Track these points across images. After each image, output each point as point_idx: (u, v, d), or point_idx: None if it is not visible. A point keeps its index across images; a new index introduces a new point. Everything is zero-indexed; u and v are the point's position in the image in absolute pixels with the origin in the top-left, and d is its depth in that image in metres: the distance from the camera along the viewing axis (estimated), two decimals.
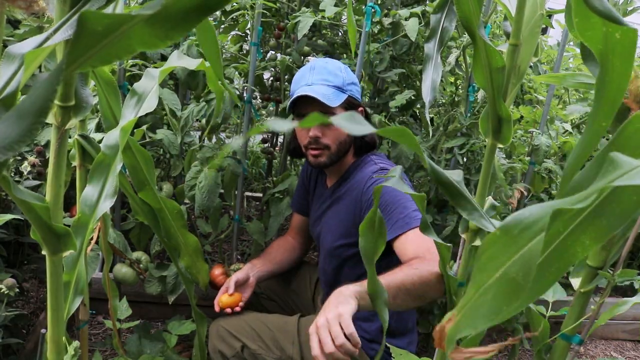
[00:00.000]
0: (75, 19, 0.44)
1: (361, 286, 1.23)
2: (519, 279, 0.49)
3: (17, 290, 1.59)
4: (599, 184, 0.45)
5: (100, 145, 0.95)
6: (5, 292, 1.55)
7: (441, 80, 2.26)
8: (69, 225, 0.81)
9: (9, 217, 1.03)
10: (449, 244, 1.07)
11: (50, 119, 0.73)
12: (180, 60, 1.03)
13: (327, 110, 1.59)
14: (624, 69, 0.64)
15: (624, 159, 0.45)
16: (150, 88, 1.03)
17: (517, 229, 0.50)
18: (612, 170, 0.45)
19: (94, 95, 1.84)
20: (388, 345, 1.39)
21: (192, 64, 1.03)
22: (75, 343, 1.02)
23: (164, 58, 2.20)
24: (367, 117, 1.81)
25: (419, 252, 1.40)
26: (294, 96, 1.60)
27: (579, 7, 0.64)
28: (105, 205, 0.89)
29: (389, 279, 1.28)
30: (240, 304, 1.75)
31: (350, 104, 1.65)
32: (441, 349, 0.56)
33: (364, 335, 1.69)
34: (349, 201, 1.67)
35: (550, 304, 1.30)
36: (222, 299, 1.73)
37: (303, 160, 2.51)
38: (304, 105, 1.61)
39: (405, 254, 1.44)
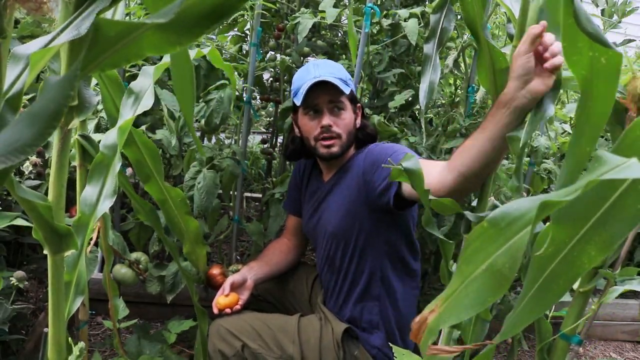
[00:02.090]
0: (88, 24, 0.44)
1: None
2: (504, 271, 0.50)
3: (26, 283, 1.60)
4: (585, 179, 0.45)
5: (99, 145, 0.95)
6: (15, 284, 1.56)
7: (440, 81, 2.26)
8: (69, 225, 0.81)
9: (14, 216, 1.03)
10: (451, 242, 1.08)
11: None
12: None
13: (338, 99, 1.66)
14: (608, 93, 0.64)
15: (609, 157, 0.45)
16: (146, 86, 1.02)
17: (505, 222, 0.51)
18: (599, 167, 0.45)
19: (96, 95, 1.86)
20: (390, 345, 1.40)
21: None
22: (81, 344, 1.02)
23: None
24: (364, 115, 1.82)
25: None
26: (306, 86, 1.62)
27: (568, 30, 0.64)
28: (105, 205, 0.89)
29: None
30: (240, 302, 1.75)
31: (353, 98, 1.73)
32: (416, 341, 0.56)
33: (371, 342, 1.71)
34: (349, 180, 1.69)
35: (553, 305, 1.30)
36: (219, 300, 1.73)
37: None
38: (315, 96, 1.65)
39: (433, 165, 1.39)
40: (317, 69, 1.67)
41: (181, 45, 0.49)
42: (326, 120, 1.66)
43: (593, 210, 0.54)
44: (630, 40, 2.35)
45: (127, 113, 0.98)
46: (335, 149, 1.67)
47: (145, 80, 1.03)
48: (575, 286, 0.89)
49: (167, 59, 1.02)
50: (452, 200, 1.03)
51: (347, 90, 1.64)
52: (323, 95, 1.64)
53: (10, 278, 1.57)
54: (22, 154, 0.40)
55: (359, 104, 1.79)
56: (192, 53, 1.04)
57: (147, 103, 1.00)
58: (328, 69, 1.68)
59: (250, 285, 1.80)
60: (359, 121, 1.77)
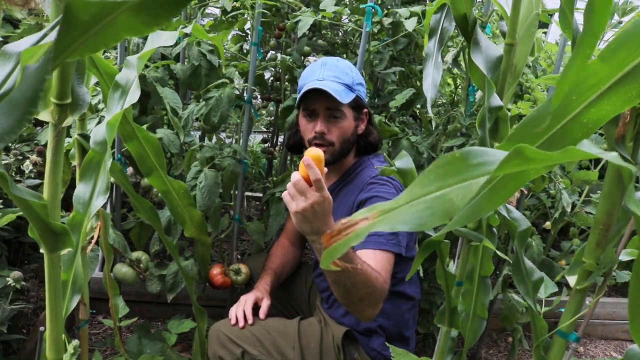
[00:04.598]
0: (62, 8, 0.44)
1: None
2: (457, 201, 0.51)
3: (22, 283, 1.60)
4: (565, 149, 0.47)
5: (90, 142, 0.94)
6: (12, 285, 1.56)
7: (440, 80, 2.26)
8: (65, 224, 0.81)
9: (14, 213, 1.03)
10: (446, 241, 1.08)
11: (47, 117, 0.73)
12: (158, 39, 1.00)
13: (336, 107, 1.62)
14: (604, 7, 0.68)
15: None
16: (132, 79, 1.00)
17: (476, 160, 0.51)
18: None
19: (94, 95, 1.86)
20: (387, 344, 1.40)
21: (170, 39, 1.00)
22: (75, 342, 1.02)
23: (164, 57, 2.20)
24: (371, 118, 1.81)
25: (380, 269, 1.46)
26: (305, 89, 1.61)
27: None
28: (99, 202, 0.88)
29: (360, 259, 1.38)
30: (267, 304, 1.73)
31: (357, 104, 1.68)
32: (329, 241, 0.54)
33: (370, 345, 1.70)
34: (348, 196, 1.69)
35: (544, 301, 1.30)
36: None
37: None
38: (313, 100, 1.63)
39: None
40: (323, 71, 1.64)
41: (158, 25, 0.49)
42: (320, 127, 1.64)
43: (542, 135, 0.65)
44: None
45: (115, 107, 0.96)
46: (325, 156, 1.66)
47: (130, 72, 1.00)
48: (572, 284, 0.89)
49: (149, 46, 0.99)
50: None
51: (347, 99, 1.61)
52: (321, 100, 1.62)
53: (7, 279, 1.57)
54: (0, 142, 0.41)
55: (365, 109, 1.75)
56: (173, 36, 1.01)
57: (134, 96, 0.97)
58: (334, 72, 1.64)
59: (267, 295, 1.79)
60: (362, 127, 1.74)
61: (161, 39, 1.01)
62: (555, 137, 0.64)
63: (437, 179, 0.53)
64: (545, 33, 4.39)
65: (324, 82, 1.60)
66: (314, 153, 1.26)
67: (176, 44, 2.14)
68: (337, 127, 1.65)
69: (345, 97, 1.60)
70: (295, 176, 1.24)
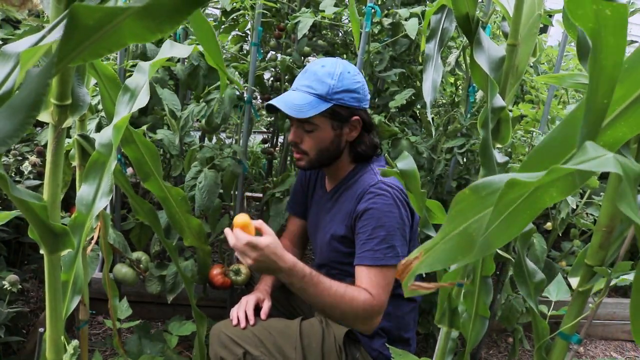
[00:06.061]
0: (66, 12, 0.44)
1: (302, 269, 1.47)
2: (474, 235, 0.54)
3: (20, 287, 1.59)
4: (555, 167, 0.49)
5: (95, 144, 0.94)
6: (8, 288, 1.56)
7: (441, 81, 2.26)
8: (66, 225, 0.81)
9: (12, 214, 1.02)
10: None
11: (48, 117, 0.73)
12: (173, 50, 1.01)
13: (302, 120, 1.59)
14: (617, 44, 0.64)
15: (591, 147, 0.50)
16: (142, 83, 1.00)
17: (485, 192, 0.54)
18: (580, 156, 0.50)
19: (95, 96, 1.86)
20: (387, 345, 1.40)
21: (185, 51, 1.02)
22: (75, 342, 1.02)
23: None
24: (365, 125, 1.69)
25: (370, 287, 1.52)
26: (274, 101, 1.60)
27: None
28: (102, 204, 0.88)
29: (328, 282, 1.49)
30: (265, 311, 1.70)
31: (336, 114, 1.60)
32: (400, 279, 0.61)
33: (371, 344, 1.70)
34: (345, 207, 1.67)
35: (553, 304, 1.30)
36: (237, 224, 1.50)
37: None
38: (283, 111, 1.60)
39: (359, 281, 1.55)
40: (301, 79, 1.62)
41: (162, 32, 0.49)
42: (291, 136, 1.65)
43: (559, 159, 0.64)
44: (632, 42, 2.34)
45: (123, 110, 0.96)
46: (301, 163, 1.67)
47: (141, 77, 1.00)
48: (574, 285, 0.88)
49: (162, 55, 1.00)
50: (441, 207, 1.06)
51: (313, 112, 1.54)
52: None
53: (3, 282, 1.56)
54: (3, 145, 0.41)
55: (355, 117, 1.63)
56: (187, 50, 1.03)
57: (142, 100, 0.97)
58: (310, 81, 1.59)
59: (268, 296, 1.78)
60: (354, 134, 1.66)
61: (174, 50, 1.03)
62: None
63: (458, 215, 0.56)
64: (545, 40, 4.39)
65: (290, 95, 1.59)
66: (241, 221, 1.46)
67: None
68: (309, 137, 1.62)
69: (310, 110, 1.54)
70: (244, 238, 1.41)
